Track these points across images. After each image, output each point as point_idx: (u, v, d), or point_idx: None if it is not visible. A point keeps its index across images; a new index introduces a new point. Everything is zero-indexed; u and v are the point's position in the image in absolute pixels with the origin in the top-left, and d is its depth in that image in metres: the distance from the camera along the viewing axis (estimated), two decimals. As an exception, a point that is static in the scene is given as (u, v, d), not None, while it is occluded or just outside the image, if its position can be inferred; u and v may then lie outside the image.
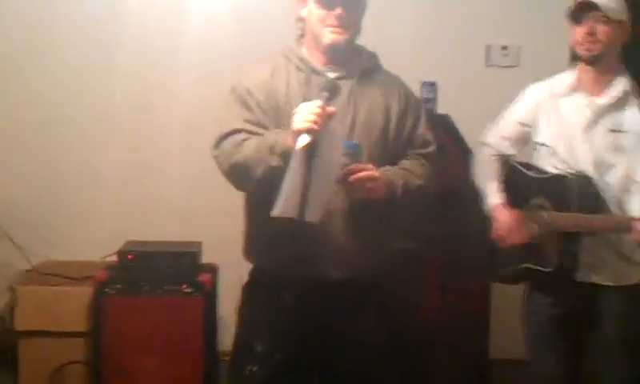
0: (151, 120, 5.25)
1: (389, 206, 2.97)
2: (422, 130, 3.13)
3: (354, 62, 3.07)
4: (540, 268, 3.29)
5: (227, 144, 2.93)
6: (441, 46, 5.18)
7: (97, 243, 4.97)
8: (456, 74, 5.07)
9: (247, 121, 2.96)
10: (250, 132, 2.93)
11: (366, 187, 2.84)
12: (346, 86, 2.98)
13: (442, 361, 4.42)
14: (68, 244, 5.18)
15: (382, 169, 2.93)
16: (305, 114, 2.71)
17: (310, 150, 2.71)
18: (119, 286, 4.60)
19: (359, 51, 3.14)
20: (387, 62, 4.89)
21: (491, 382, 4.71)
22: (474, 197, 3.64)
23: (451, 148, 4.42)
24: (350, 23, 2.99)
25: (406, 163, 3.05)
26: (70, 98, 5.25)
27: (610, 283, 3.30)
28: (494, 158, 3.58)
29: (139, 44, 5.22)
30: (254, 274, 3.17)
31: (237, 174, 2.95)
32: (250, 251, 3.15)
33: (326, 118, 2.72)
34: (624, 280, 3.30)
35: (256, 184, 2.88)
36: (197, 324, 4.61)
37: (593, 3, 3.21)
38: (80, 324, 4.72)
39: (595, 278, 3.30)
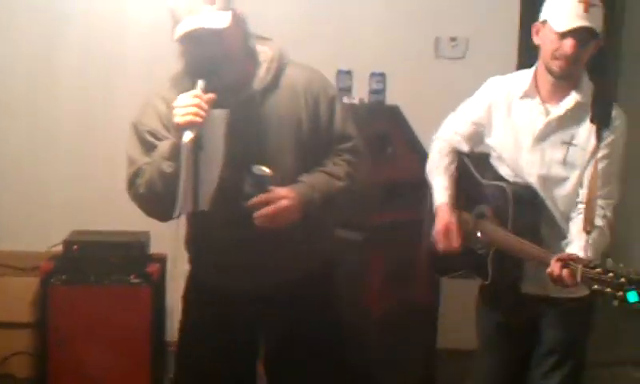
0: (98, 105, 5.22)
1: (309, 219, 2.90)
2: (338, 125, 2.99)
3: (251, 82, 2.87)
4: (478, 277, 3.27)
5: (137, 181, 2.85)
6: (390, 36, 5.18)
7: (42, 233, 4.93)
8: (405, 64, 5.08)
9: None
10: None
11: (276, 220, 2.78)
12: (246, 108, 2.84)
13: (390, 350, 4.43)
14: (13, 234, 5.13)
15: (299, 179, 2.88)
16: (184, 107, 2.63)
17: (196, 142, 2.67)
18: (65, 276, 4.57)
19: (255, 62, 2.91)
20: (337, 52, 4.95)
21: (439, 372, 4.72)
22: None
23: (399, 139, 4.43)
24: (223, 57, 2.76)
25: (326, 163, 2.98)
26: (16, 87, 5.20)
27: (552, 295, 3.21)
28: (445, 152, 3.45)
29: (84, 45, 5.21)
30: (191, 270, 3.16)
31: (148, 203, 2.87)
32: (187, 247, 3.15)
33: (206, 107, 2.65)
34: (568, 293, 3.14)
35: (163, 202, 2.77)
36: (144, 314, 4.60)
37: (593, 30, 2.96)
38: (26, 315, 4.71)
39: (538, 290, 3.23)
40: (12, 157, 5.23)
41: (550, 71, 3.08)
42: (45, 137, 5.22)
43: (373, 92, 4.71)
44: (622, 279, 2.63)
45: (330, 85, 3.10)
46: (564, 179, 3.14)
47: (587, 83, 3.14)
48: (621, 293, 2.64)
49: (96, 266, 4.60)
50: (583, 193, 3.08)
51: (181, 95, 2.69)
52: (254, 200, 2.77)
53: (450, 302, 4.77)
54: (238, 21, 2.80)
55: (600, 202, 3.07)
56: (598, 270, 2.71)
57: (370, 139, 4.33)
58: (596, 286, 2.71)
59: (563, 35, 2.96)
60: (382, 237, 4.36)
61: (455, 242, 3.24)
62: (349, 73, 4.74)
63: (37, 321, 4.66)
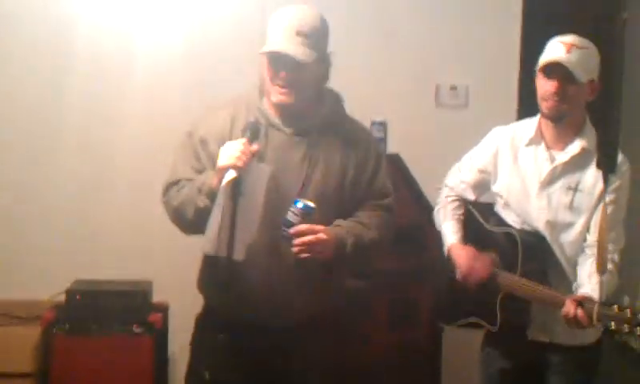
0: (100, 157, 5.18)
1: (337, 261, 3.02)
2: (380, 182, 3.16)
3: (314, 116, 3.06)
4: (485, 324, 3.29)
5: (172, 191, 3.02)
6: (390, 84, 5.19)
7: (44, 282, 4.90)
8: (406, 113, 5.08)
9: (196, 171, 3.03)
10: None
11: (313, 250, 2.90)
12: (302, 142, 3.01)
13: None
14: (14, 282, 5.09)
15: (334, 223, 2.99)
16: (229, 151, 2.78)
17: (235, 187, 2.76)
18: (67, 326, 4.56)
19: (322, 102, 3.12)
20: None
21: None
22: (433, 237, 3.64)
23: (401, 187, 4.45)
24: (298, 84, 2.96)
25: (361, 215, 3.10)
26: (16, 134, 5.18)
27: (560, 342, 3.26)
28: (451, 199, 3.54)
29: (88, 78, 5.19)
30: (204, 309, 3.24)
31: (177, 219, 3.04)
32: (201, 287, 3.22)
33: (250, 156, 2.79)
34: (577, 340, 3.22)
35: (190, 226, 2.99)
36: (147, 364, 4.58)
37: (563, 66, 3.08)
38: (27, 365, 4.66)
39: (546, 337, 3.27)
40: (13, 204, 5.21)
41: (542, 114, 3.19)
42: (45, 184, 5.20)
43: (373, 140, 4.73)
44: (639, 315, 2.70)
45: (379, 146, 3.23)
46: (571, 224, 3.19)
47: (591, 130, 3.21)
48: (638, 329, 2.72)
49: (98, 315, 4.58)
50: (590, 238, 3.12)
51: (228, 142, 2.84)
52: (299, 227, 2.88)
53: (453, 351, 4.75)
54: (323, 60, 3.04)
55: (609, 246, 3.09)
56: (615, 307, 2.78)
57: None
58: (613, 324, 2.78)
59: (548, 76, 3.10)
60: (385, 282, 4.36)
61: (482, 271, 3.27)
62: (350, 121, 4.77)
63: (38, 371, 4.62)
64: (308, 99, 3.03)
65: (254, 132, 2.88)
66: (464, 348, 3.91)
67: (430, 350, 4.57)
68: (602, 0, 6.86)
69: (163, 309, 4.72)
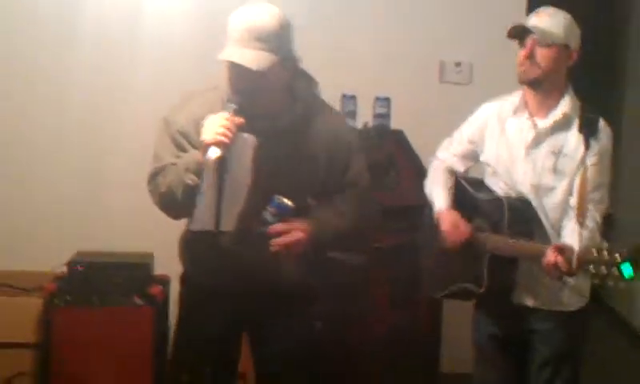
0: (103, 130, 5.23)
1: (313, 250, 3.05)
2: (352, 174, 3.15)
3: (283, 117, 2.99)
4: (472, 288, 3.31)
5: (159, 178, 2.98)
6: (394, 61, 5.21)
7: (46, 254, 4.92)
8: (410, 89, 5.11)
9: (179, 157, 2.98)
10: None
11: (292, 247, 2.95)
12: (276, 139, 2.94)
13: (391, 374, 4.43)
14: (17, 254, 5.12)
15: (312, 217, 3.02)
16: (213, 127, 2.74)
17: (221, 162, 2.76)
18: (69, 297, 4.57)
19: (294, 97, 3.04)
20: (341, 77, 4.97)
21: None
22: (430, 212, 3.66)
23: (404, 164, 4.45)
24: (260, 92, 2.90)
25: (339, 202, 3.12)
26: (24, 111, 5.22)
27: (544, 307, 3.32)
28: (441, 170, 3.58)
29: (94, 55, 5.21)
30: (182, 278, 3.31)
31: (166, 203, 3.00)
32: (181, 256, 3.26)
33: (234, 130, 2.75)
34: (560, 306, 3.31)
35: (180, 207, 2.94)
36: (147, 335, 4.61)
37: (526, 28, 3.24)
38: (28, 335, 4.69)
39: (530, 302, 3.33)
40: (16, 177, 5.24)
41: (520, 81, 3.32)
42: (49, 156, 5.24)
43: (377, 116, 4.73)
44: (616, 254, 2.79)
45: (353, 134, 3.21)
46: (554, 188, 3.26)
47: (572, 97, 3.30)
48: (615, 269, 2.79)
49: (100, 287, 4.60)
50: (573, 201, 3.19)
51: (211, 115, 2.79)
52: (276, 227, 2.92)
53: (452, 326, 4.77)
54: (285, 65, 2.92)
55: (591, 206, 3.18)
56: (593, 250, 2.85)
57: (374, 163, 4.36)
58: (592, 268, 2.85)
59: (520, 43, 3.27)
60: (385, 258, 4.37)
61: (464, 234, 3.32)
62: (353, 97, 4.76)
63: (40, 341, 4.64)
64: (274, 101, 2.97)
65: (240, 106, 2.83)
66: (463, 322, 3.92)
67: (429, 324, 4.59)
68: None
69: (164, 281, 4.75)
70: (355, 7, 5.15)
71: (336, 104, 4.56)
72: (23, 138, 5.22)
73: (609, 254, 2.81)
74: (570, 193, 3.22)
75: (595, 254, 2.84)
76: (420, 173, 4.45)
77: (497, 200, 3.31)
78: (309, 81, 3.10)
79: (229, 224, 2.86)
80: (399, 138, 4.52)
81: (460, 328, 3.96)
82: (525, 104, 3.35)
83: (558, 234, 3.23)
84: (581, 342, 3.45)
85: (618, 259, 2.78)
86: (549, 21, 3.23)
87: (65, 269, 4.67)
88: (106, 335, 4.56)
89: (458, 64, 5.28)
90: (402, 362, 4.46)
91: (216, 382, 3.16)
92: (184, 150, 2.95)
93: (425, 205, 3.71)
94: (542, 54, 3.21)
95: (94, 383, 4.57)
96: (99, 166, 5.18)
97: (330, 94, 4.25)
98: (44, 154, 5.24)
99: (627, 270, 2.78)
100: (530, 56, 3.22)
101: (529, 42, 3.23)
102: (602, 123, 3.24)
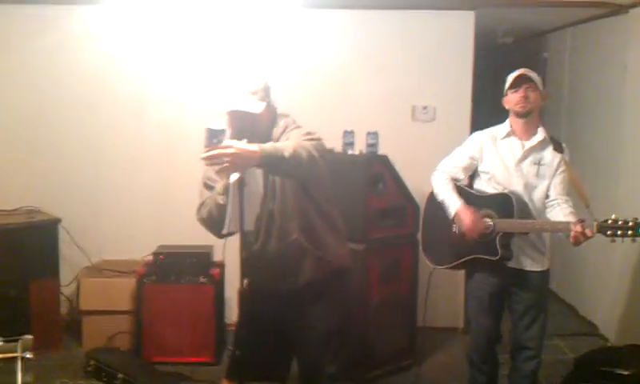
0: (177, 149, 5.18)
1: (273, 168, 2.74)
2: (290, 143, 2.79)
3: (270, 138, 2.88)
4: (488, 257, 3.38)
5: (202, 209, 2.94)
6: (380, 105, 5.17)
7: (138, 246, 4.95)
8: (391, 126, 5.06)
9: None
10: None
11: (225, 161, 2.57)
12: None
13: (383, 329, 4.41)
14: (117, 247, 5.16)
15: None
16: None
17: (241, 181, 2.75)
18: (154, 277, 4.61)
19: (275, 128, 2.95)
20: (343, 118, 4.96)
21: (418, 344, 4.69)
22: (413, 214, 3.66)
23: (388, 178, 4.44)
24: (254, 132, 2.80)
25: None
26: (116, 127, 5.19)
27: (529, 268, 3.44)
28: (447, 179, 3.57)
29: (165, 86, 5.20)
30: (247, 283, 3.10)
31: (209, 224, 2.92)
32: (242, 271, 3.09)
33: None
34: (538, 266, 3.45)
35: (217, 223, 2.85)
36: (209, 304, 4.62)
37: (529, 77, 3.39)
38: (127, 305, 4.72)
39: (518, 265, 3.43)
40: (114, 190, 5.25)
41: (517, 114, 3.43)
42: (139, 173, 5.24)
43: (369, 145, 4.72)
44: (631, 223, 3.03)
45: (309, 135, 2.88)
46: (537, 186, 3.41)
47: (542, 126, 3.47)
48: (631, 232, 3.03)
49: (175, 269, 4.63)
50: (551, 195, 3.39)
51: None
52: (210, 152, 2.54)
53: (427, 292, 4.75)
54: (269, 106, 2.95)
55: (566, 197, 3.39)
56: (610, 221, 3.06)
57: (368, 179, 4.37)
58: (609, 232, 3.06)
59: (516, 88, 3.41)
60: (377, 247, 4.35)
61: (479, 228, 3.37)
62: (351, 132, 4.75)
63: (134, 309, 4.68)
64: (264, 134, 2.87)
65: (249, 138, 2.73)
66: (434, 290, 3.90)
67: (409, 292, 4.56)
68: (528, 43, 6.85)
69: (221, 266, 4.74)
70: (351, 66, 5.16)
71: (339, 137, 4.56)
72: (119, 157, 5.21)
73: (624, 222, 3.04)
74: (547, 189, 3.40)
75: (610, 222, 3.05)
76: (400, 185, 4.46)
77: (504, 195, 3.38)
78: (284, 117, 3.00)
79: (249, 225, 2.84)
80: (385, 160, 4.49)
81: (433, 292, 3.92)
82: (512, 130, 3.47)
83: (540, 217, 3.40)
84: (545, 291, 3.57)
85: (634, 225, 3.03)
86: (535, 76, 3.42)
87: (151, 257, 4.71)
88: (181, 304, 4.59)
89: (425, 107, 5.24)
90: (390, 320, 4.43)
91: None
92: (212, 188, 2.92)
93: (406, 209, 3.72)
94: (533, 96, 3.40)
95: (172, 339, 4.58)
96: (174, 180, 5.16)
97: (334, 129, 4.29)
98: (134, 171, 5.24)
99: None
100: (526, 96, 3.38)
101: (523, 87, 3.39)
102: (564, 144, 3.47)
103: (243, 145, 2.60)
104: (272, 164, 2.66)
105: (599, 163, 5.26)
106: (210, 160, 2.57)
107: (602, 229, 3.07)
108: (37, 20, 5.05)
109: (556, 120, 6.22)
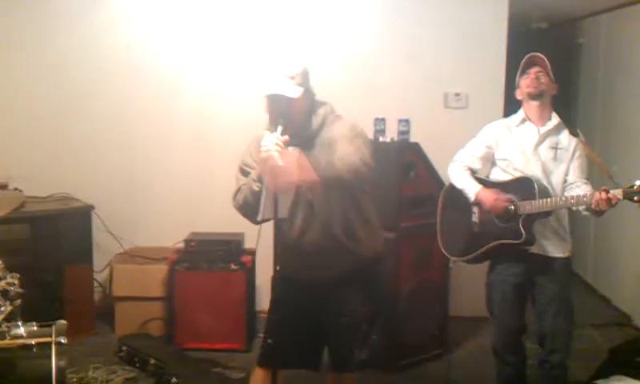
0: (209, 137, 5.20)
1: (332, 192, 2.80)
2: (339, 154, 2.78)
3: (306, 131, 2.86)
4: (512, 241, 3.35)
5: (238, 195, 2.91)
6: (413, 92, 5.16)
7: (170, 233, 4.99)
8: (423, 113, 5.03)
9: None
10: None
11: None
12: (304, 144, 2.81)
13: (415, 318, 4.39)
14: (149, 234, 5.20)
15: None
16: (267, 145, 2.66)
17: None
18: (186, 264, 4.63)
19: (316, 115, 2.90)
20: (375, 105, 4.93)
21: (449, 333, 4.68)
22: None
23: (420, 166, 4.41)
24: (291, 115, 2.79)
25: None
26: (149, 114, 5.21)
27: (551, 254, 3.40)
28: (464, 167, 3.58)
29: (199, 76, 5.21)
30: (277, 271, 3.05)
31: (243, 209, 2.90)
32: (275, 256, 3.04)
33: (282, 144, 2.67)
34: (560, 252, 3.41)
35: (254, 212, 2.83)
36: (240, 291, 4.63)
37: (539, 57, 3.42)
38: (159, 291, 4.76)
39: (541, 251, 3.39)
40: (147, 179, 5.28)
41: (530, 96, 3.43)
42: (172, 164, 5.27)
43: (400, 133, 4.68)
44: None
45: (355, 131, 2.89)
46: (555, 170, 3.40)
47: (555, 114, 3.46)
48: None
49: (207, 256, 4.65)
50: (569, 178, 3.38)
51: (266, 136, 2.73)
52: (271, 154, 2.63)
53: (458, 283, 4.73)
54: (308, 92, 2.88)
55: (585, 180, 3.38)
56: (636, 186, 3.00)
57: (400, 167, 4.34)
58: (637, 198, 3.00)
59: (527, 72, 3.44)
60: (408, 235, 4.33)
61: (501, 204, 3.37)
62: (383, 119, 4.72)
63: (166, 295, 4.71)
64: (302, 122, 2.85)
65: (283, 127, 2.74)
66: (466, 280, 3.87)
67: (441, 281, 4.54)
68: (563, 29, 6.75)
69: (252, 253, 4.76)
70: (385, 56, 5.14)
71: (370, 124, 4.53)
72: (152, 148, 5.24)
73: None
74: (566, 173, 3.38)
75: (636, 188, 2.98)
76: (432, 173, 4.42)
77: (525, 178, 3.35)
78: (322, 104, 2.95)
79: (283, 213, 2.81)
80: (416, 148, 4.47)
81: (464, 282, 3.91)
82: (527, 116, 3.47)
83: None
84: (569, 278, 3.52)
85: None
86: (544, 59, 3.43)
87: (182, 244, 4.73)
88: (212, 290, 4.62)
89: (457, 94, 5.22)
90: (422, 307, 4.41)
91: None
92: (249, 173, 2.90)
93: (437, 196, 3.71)
94: (543, 78, 3.41)
95: (204, 324, 4.60)
96: (207, 169, 5.18)
97: (365, 116, 4.25)
98: (167, 162, 5.27)
99: None
100: (537, 78, 3.40)
101: (533, 71, 3.41)
102: (578, 130, 3.47)
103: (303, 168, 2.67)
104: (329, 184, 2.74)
105: (636, 152, 5.19)
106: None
107: (628, 194, 3.01)
108: (71, 8, 5.09)
109: (591, 107, 6.13)
